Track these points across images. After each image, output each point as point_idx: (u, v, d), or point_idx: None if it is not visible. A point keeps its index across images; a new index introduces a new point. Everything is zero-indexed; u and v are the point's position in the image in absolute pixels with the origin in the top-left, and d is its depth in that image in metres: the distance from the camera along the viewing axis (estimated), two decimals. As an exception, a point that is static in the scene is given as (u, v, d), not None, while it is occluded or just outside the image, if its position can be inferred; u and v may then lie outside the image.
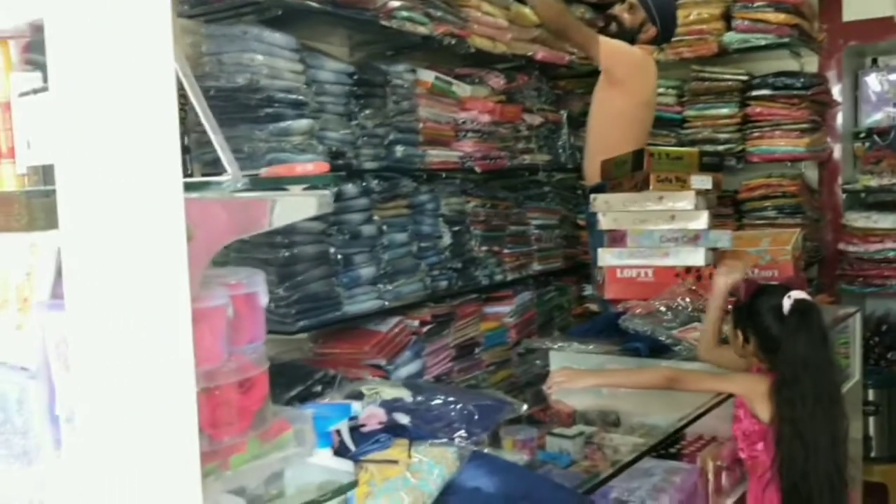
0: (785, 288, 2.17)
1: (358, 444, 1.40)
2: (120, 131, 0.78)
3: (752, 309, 2.17)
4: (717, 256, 3.05)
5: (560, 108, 4.03)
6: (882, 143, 4.28)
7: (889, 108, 4.29)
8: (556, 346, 2.96)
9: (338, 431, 1.28)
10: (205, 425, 0.91)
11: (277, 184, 0.92)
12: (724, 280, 2.46)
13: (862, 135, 4.35)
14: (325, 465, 1.12)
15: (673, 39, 4.06)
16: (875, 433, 3.95)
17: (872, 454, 3.93)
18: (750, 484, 2.21)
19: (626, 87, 3.40)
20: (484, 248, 3.44)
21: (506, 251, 3.60)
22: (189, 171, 2.54)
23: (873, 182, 4.18)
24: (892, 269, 4.08)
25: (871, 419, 3.92)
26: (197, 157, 2.55)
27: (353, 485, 1.07)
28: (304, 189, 0.92)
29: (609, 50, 3.34)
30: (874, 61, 4.45)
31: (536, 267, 3.82)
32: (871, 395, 3.91)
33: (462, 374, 3.29)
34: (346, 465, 1.18)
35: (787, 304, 2.07)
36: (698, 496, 2.16)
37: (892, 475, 3.91)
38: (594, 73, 3.68)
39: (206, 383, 0.89)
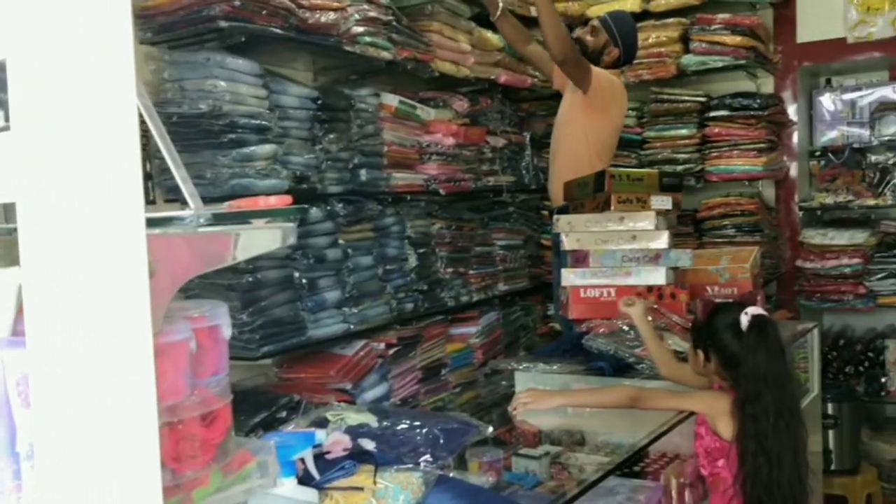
0: (740, 305, 2.21)
1: (323, 471, 1.40)
2: (81, 168, 0.78)
3: (710, 328, 2.21)
4: (679, 276, 3.10)
5: (523, 130, 4.09)
6: (837, 161, 4.39)
7: (843, 126, 4.40)
8: (521, 367, 2.97)
9: (302, 460, 1.28)
10: (167, 459, 0.91)
11: (241, 217, 0.93)
12: (632, 309, 2.64)
13: (817, 153, 4.46)
14: (289, 495, 1.12)
15: (633, 63, 4.15)
16: (834, 446, 4.01)
17: (832, 467, 3.99)
18: (712, 500, 2.24)
19: (606, 113, 3.48)
20: (450, 269, 3.47)
21: (471, 272, 3.63)
22: (151, 198, 2.54)
23: (829, 199, 4.28)
24: (849, 285, 4.16)
25: (831, 432, 3.98)
26: (159, 184, 2.55)
27: (317, 514, 1.07)
28: (268, 222, 0.93)
29: (596, 79, 3.40)
30: (828, 81, 4.57)
31: (502, 287, 3.85)
32: (829, 408, 3.97)
33: (429, 396, 3.29)
34: (309, 495, 1.18)
35: (744, 320, 2.11)
36: (662, 514, 2.18)
37: (851, 487, 3.98)
38: (556, 96, 3.75)
39: (168, 418, 0.89)
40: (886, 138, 4.19)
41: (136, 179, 0.78)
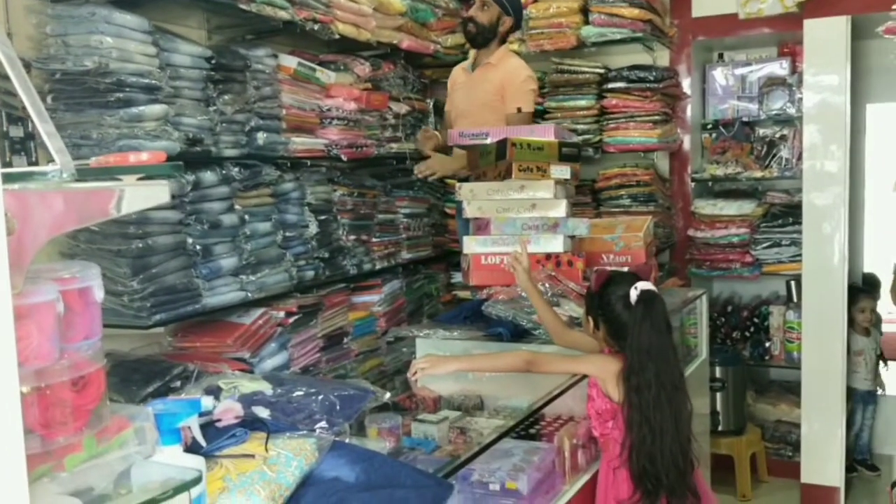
0: (634, 277, 2.28)
1: (212, 439, 1.37)
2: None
3: (601, 298, 2.27)
4: (576, 244, 3.16)
5: (427, 97, 4.06)
6: (727, 134, 4.55)
7: (734, 100, 4.56)
8: (421, 334, 2.99)
9: (189, 428, 1.25)
10: (35, 425, 0.86)
11: (108, 173, 0.88)
12: (520, 275, 2.69)
13: (709, 126, 4.62)
14: (173, 462, 1.09)
15: (534, 32, 4.19)
16: (721, 408, 4.22)
17: (720, 428, 4.19)
18: (602, 459, 2.32)
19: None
20: (352, 237, 3.43)
21: (374, 240, 3.61)
22: (34, 159, 2.41)
23: (719, 171, 4.44)
24: (737, 254, 4.35)
25: (718, 395, 4.18)
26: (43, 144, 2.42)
27: (197, 481, 1.04)
28: (139, 179, 0.88)
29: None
30: (720, 56, 4.72)
31: (405, 255, 3.84)
32: (717, 372, 4.17)
33: (330, 365, 3.27)
34: (195, 462, 1.15)
35: (633, 294, 2.17)
36: (556, 474, 2.24)
37: (737, 447, 4.20)
38: (459, 63, 3.77)
39: (35, 382, 0.85)
40: (773, 112, 4.37)
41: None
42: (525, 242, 2.87)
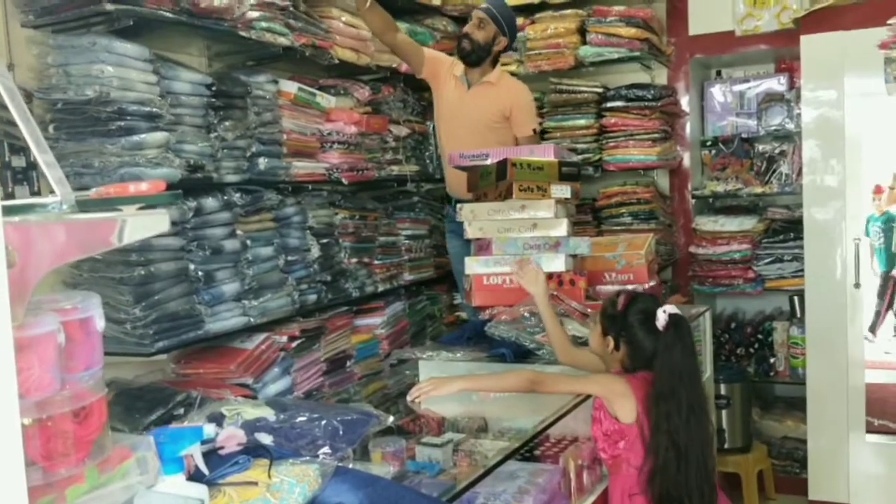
0: (655, 300, 2.27)
1: (215, 467, 1.36)
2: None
3: (626, 319, 2.25)
4: (578, 262, 3.16)
5: (426, 119, 4.08)
6: (727, 150, 4.57)
7: (732, 117, 4.58)
8: (424, 356, 2.98)
9: (192, 456, 1.24)
10: (37, 457, 0.86)
11: (108, 204, 0.88)
12: (535, 288, 2.66)
13: (708, 143, 4.63)
14: (176, 491, 1.09)
15: (532, 52, 4.22)
16: (727, 425, 4.19)
17: (725, 445, 4.17)
18: (612, 483, 2.29)
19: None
20: (354, 259, 3.43)
21: (376, 262, 3.61)
22: (36, 189, 2.42)
23: (720, 188, 4.45)
24: (739, 270, 4.34)
25: (724, 412, 4.16)
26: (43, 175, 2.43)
27: (202, 510, 1.04)
28: (140, 209, 0.89)
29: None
30: (718, 73, 4.75)
31: (407, 277, 3.84)
32: (722, 389, 4.14)
33: (334, 388, 3.26)
34: (198, 491, 1.14)
35: (661, 318, 2.16)
36: (561, 496, 2.22)
37: (743, 465, 4.17)
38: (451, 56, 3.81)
39: (37, 414, 0.85)
40: (772, 128, 4.39)
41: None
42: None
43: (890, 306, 5.05)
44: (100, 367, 0.97)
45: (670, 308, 2.18)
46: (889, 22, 2.30)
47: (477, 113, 3.62)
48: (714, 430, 2.25)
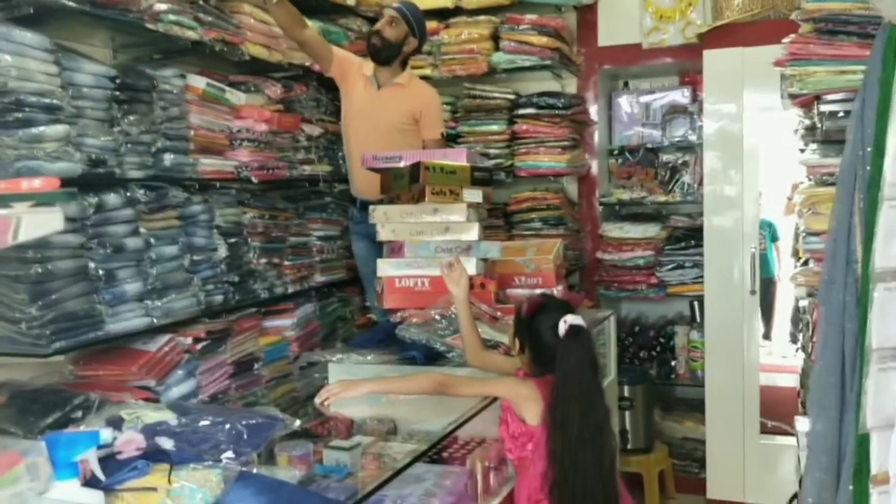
0: (566, 306, 2.29)
1: (112, 472, 1.32)
2: None
3: (531, 325, 2.28)
4: (489, 266, 3.20)
5: (339, 119, 4.05)
6: (633, 159, 4.71)
7: (638, 127, 4.72)
8: (334, 359, 2.96)
9: (87, 461, 1.20)
10: (-84, 466, 0.82)
11: (3, 201, 0.84)
12: (457, 289, 2.68)
13: (615, 152, 4.76)
14: (69, 498, 1.05)
15: (446, 57, 4.25)
16: (630, 426, 4.31)
17: (628, 446, 4.29)
18: (518, 484, 2.31)
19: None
20: (263, 260, 3.37)
21: (286, 263, 3.56)
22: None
23: (625, 195, 4.58)
24: (643, 275, 4.48)
25: (627, 413, 4.28)
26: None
27: (97, 518, 1.00)
28: (32, 206, 0.85)
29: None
30: (625, 84, 4.89)
31: (319, 278, 3.80)
32: (625, 391, 4.26)
33: (240, 392, 3.19)
34: (94, 497, 1.10)
35: (562, 327, 2.19)
36: (468, 497, 2.25)
37: (645, 465, 4.30)
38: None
39: (-83, 420, 0.80)
40: (676, 139, 4.55)
41: None
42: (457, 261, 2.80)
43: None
44: (-12, 370, 0.92)
45: (571, 318, 2.20)
46: (783, 41, 2.42)
47: (386, 115, 3.62)
48: (616, 446, 2.26)
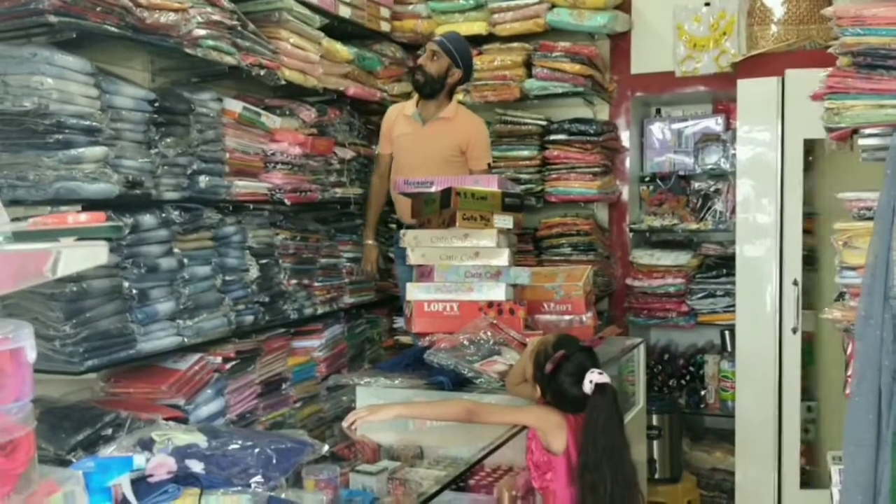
0: (587, 357, 2.26)
1: (143, 497, 1.33)
2: None
3: (554, 379, 2.25)
4: (518, 292, 3.20)
5: (372, 143, 4.09)
6: (664, 186, 4.68)
7: (670, 154, 4.69)
8: (362, 382, 2.96)
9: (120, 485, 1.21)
10: (-42, 492, 0.83)
11: (46, 236, 0.86)
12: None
13: (647, 179, 4.74)
14: (102, 524, 1.06)
15: (479, 83, 4.28)
16: (658, 456, 4.24)
17: (656, 476, 4.23)
18: (544, 512, 2.31)
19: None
20: (293, 281, 3.41)
21: (316, 284, 3.59)
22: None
23: (656, 222, 4.55)
24: (673, 303, 4.44)
25: (655, 443, 4.22)
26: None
27: (130, 545, 1.01)
28: (77, 240, 0.87)
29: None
30: (658, 111, 4.87)
31: (348, 300, 3.83)
32: (654, 419, 4.21)
33: (268, 412, 3.22)
34: (126, 523, 1.12)
35: (587, 386, 2.17)
36: (495, 527, 2.23)
37: (673, 495, 4.23)
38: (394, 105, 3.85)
39: (-39, 447, 0.82)
40: (708, 167, 4.51)
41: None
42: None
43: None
44: (29, 398, 0.94)
45: (598, 377, 2.18)
46: (819, 75, 2.41)
47: (432, 148, 3.65)
48: (642, 494, 2.25)
